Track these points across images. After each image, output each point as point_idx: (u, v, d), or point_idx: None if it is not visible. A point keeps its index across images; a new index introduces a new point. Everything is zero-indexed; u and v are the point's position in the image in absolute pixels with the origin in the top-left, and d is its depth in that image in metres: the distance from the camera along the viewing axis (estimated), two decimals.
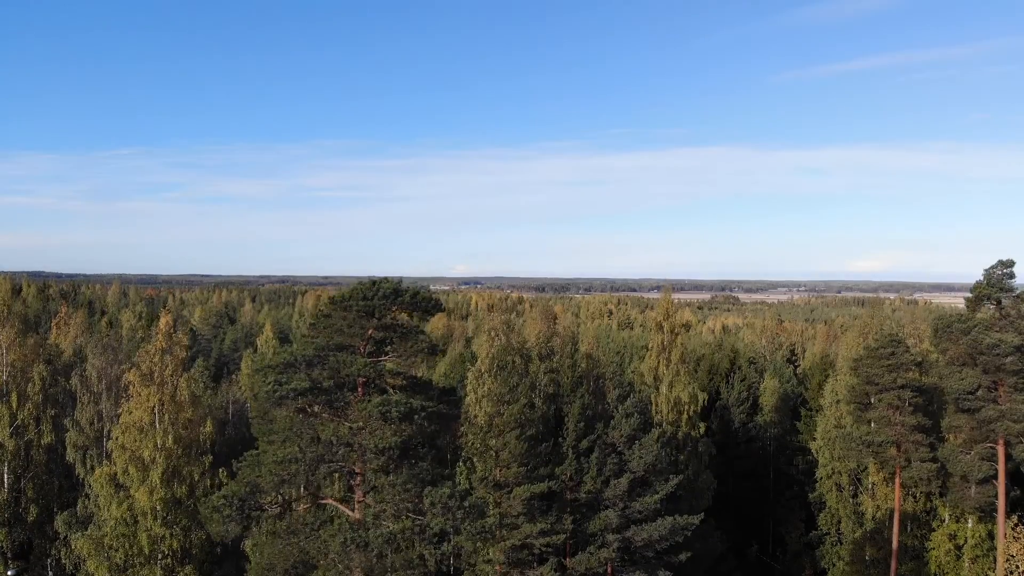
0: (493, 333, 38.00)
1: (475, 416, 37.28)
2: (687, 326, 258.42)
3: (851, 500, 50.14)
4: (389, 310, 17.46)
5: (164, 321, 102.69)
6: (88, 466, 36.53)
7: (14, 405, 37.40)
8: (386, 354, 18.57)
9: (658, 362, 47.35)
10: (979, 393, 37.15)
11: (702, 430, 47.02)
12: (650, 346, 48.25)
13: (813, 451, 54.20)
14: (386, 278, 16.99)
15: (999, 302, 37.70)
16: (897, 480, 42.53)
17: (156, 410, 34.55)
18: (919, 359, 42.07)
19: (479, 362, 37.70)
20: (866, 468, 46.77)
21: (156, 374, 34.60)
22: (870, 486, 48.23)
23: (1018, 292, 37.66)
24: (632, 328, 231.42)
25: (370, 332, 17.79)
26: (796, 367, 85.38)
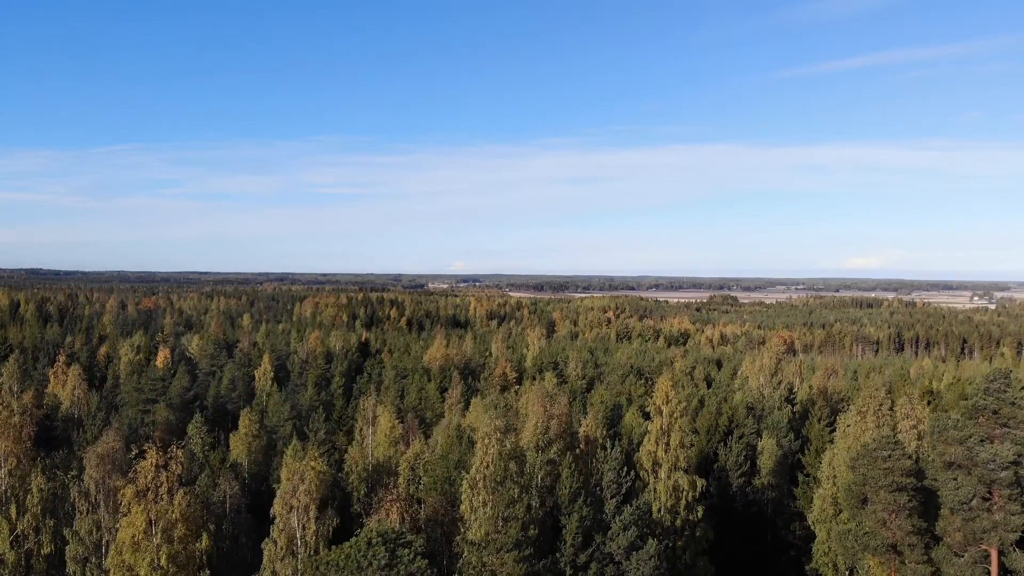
0: (487, 440, 37.89)
1: (470, 523, 37.31)
2: (686, 335, 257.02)
3: None
4: None
5: (161, 356, 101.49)
6: None
7: (13, 515, 37.39)
8: None
9: (657, 446, 47.40)
10: (974, 503, 37.25)
11: (700, 514, 47.11)
12: (649, 429, 48.28)
13: (810, 522, 54.51)
14: (383, 537, 16.89)
15: (996, 411, 37.74)
16: (893, 572, 42.72)
17: (152, 526, 34.60)
18: (915, 457, 42.15)
19: (474, 470, 37.66)
20: None
21: (151, 491, 34.62)
22: (867, 568, 48.44)
23: (1015, 401, 37.68)
24: (631, 339, 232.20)
25: None
26: (794, 406, 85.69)
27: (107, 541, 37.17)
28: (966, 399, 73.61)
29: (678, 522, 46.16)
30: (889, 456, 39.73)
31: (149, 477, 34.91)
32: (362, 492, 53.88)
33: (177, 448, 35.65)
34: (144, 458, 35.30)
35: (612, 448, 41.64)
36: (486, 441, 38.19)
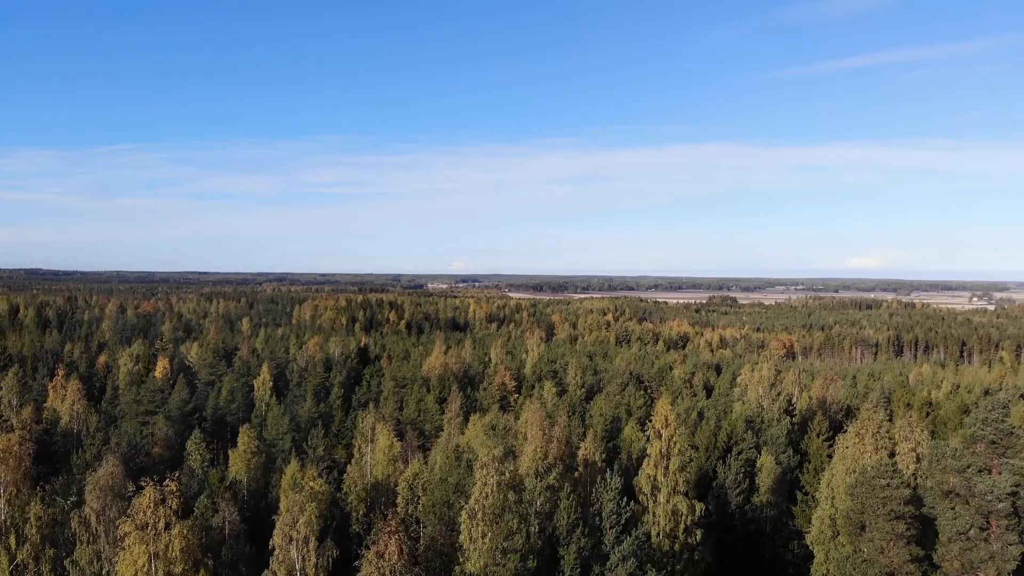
0: (486, 471, 37.92)
1: (469, 554, 37.33)
2: (685, 338, 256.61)
3: None
4: None
5: (160, 366, 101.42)
6: None
7: (12, 545, 37.44)
8: None
9: (656, 470, 47.43)
10: (971, 533, 37.32)
11: (699, 537, 47.18)
12: (648, 452, 48.31)
13: (808, 542, 54.58)
14: None
15: (994, 441, 37.81)
16: None
17: (152, 561, 34.61)
18: (912, 484, 42.21)
19: (472, 501, 37.68)
20: None
21: (150, 526, 34.63)
22: None
23: (1013, 430, 37.74)
24: (630, 343, 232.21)
25: None
26: (792, 417, 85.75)
27: (107, 571, 37.20)
28: (966, 411, 73.79)
29: (677, 546, 46.20)
30: (887, 484, 39.78)
31: (148, 513, 34.93)
32: (361, 512, 53.93)
33: (171, 481, 35.60)
34: (142, 492, 35.30)
35: (611, 477, 41.67)
36: (484, 472, 38.21)
